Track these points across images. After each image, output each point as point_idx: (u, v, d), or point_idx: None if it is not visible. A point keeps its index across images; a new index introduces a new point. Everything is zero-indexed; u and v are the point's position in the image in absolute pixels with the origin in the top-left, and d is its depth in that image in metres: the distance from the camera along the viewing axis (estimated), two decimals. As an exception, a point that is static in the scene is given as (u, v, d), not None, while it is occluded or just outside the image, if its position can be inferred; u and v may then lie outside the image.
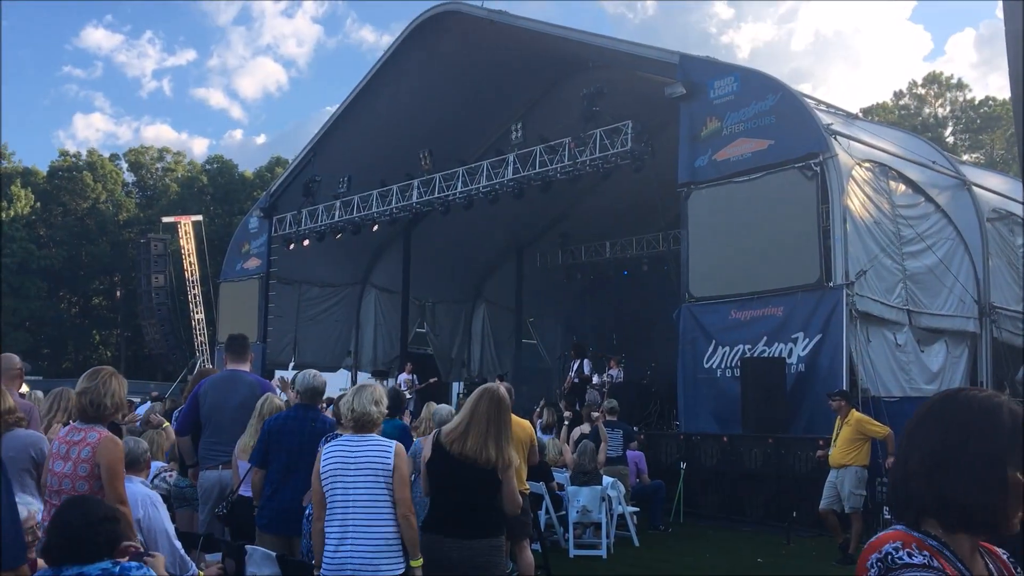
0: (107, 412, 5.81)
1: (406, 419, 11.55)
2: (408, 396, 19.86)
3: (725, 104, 18.10)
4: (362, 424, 5.95)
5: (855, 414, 12.84)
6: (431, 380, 25.58)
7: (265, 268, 28.15)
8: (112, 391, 5.80)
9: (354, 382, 24.86)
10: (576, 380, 22.09)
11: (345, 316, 30.74)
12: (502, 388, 6.29)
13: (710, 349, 17.83)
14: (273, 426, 7.49)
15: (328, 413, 9.06)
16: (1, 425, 6.18)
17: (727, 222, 17.82)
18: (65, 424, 6.73)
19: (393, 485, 5.78)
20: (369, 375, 26.11)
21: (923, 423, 2.25)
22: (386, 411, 6.15)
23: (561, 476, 13.46)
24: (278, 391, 9.17)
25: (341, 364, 30.71)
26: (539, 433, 14.49)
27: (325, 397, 12.14)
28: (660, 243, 28.90)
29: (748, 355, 16.99)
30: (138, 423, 10.98)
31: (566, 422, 16.52)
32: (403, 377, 24.46)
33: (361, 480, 5.77)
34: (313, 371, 7.79)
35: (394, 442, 5.97)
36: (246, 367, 9.06)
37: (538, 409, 17.00)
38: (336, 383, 26.77)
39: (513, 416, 6.85)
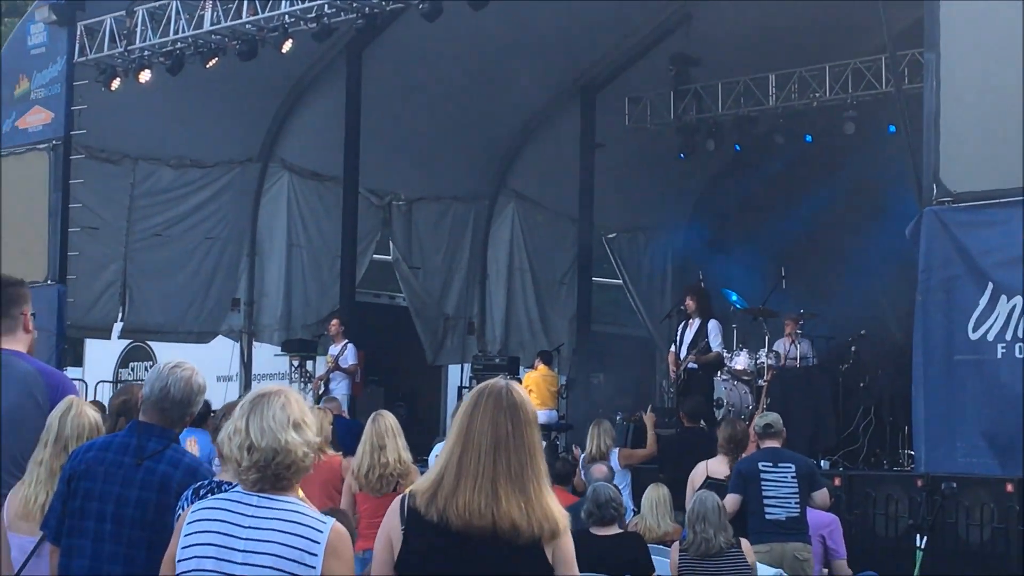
0: None
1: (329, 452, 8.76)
2: (341, 400, 14.92)
3: None
4: (273, 473, 3.73)
5: None
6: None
7: (63, 128, 17.93)
8: None
9: (244, 362, 19.81)
10: (693, 366, 15.26)
11: (227, 230, 20.47)
12: (517, 388, 3.82)
13: (983, 301, 12.25)
14: (79, 467, 4.86)
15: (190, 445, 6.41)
16: None
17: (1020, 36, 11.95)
18: None
19: None
20: (280, 350, 19.46)
21: None
22: (316, 440, 3.91)
23: (664, 564, 8.64)
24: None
25: (220, 327, 20.69)
26: (622, 479, 11.54)
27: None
28: (880, 80, 18.71)
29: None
30: None
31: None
32: (338, 353, 17.47)
33: None
34: (177, 363, 4.97)
35: (330, 520, 3.80)
36: (18, 345, 5.95)
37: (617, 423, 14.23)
38: (215, 369, 19.00)
39: None
